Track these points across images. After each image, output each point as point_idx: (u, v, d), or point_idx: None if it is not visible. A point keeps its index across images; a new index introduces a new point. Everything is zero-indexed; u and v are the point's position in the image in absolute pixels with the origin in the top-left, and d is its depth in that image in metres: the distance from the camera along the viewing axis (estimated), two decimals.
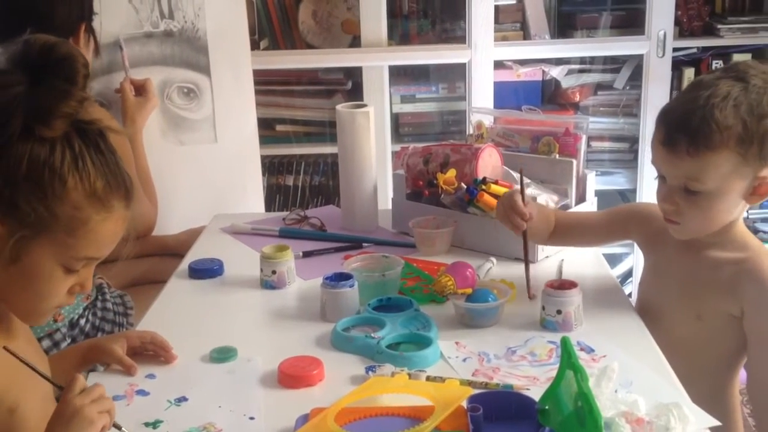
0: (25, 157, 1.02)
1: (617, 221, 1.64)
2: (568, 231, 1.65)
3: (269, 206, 2.83)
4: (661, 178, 1.44)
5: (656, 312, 1.51)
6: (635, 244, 2.91)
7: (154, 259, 2.19)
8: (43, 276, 1.08)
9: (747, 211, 1.64)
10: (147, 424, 1.19)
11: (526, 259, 1.55)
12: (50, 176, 1.03)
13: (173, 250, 2.18)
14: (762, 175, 1.36)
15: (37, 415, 1.11)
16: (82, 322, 1.79)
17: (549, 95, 3.06)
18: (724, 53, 2.86)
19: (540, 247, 1.72)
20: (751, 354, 1.45)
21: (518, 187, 1.60)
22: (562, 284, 1.45)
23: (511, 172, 1.83)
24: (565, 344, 1.11)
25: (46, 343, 1.72)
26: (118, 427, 1.09)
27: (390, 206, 1.99)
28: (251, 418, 1.20)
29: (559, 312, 1.43)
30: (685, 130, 1.35)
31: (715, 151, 1.34)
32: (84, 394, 1.04)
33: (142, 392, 1.28)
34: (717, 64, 2.83)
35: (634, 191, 2.97)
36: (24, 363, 1.07)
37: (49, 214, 1.04)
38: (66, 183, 1.04)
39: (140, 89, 2.28)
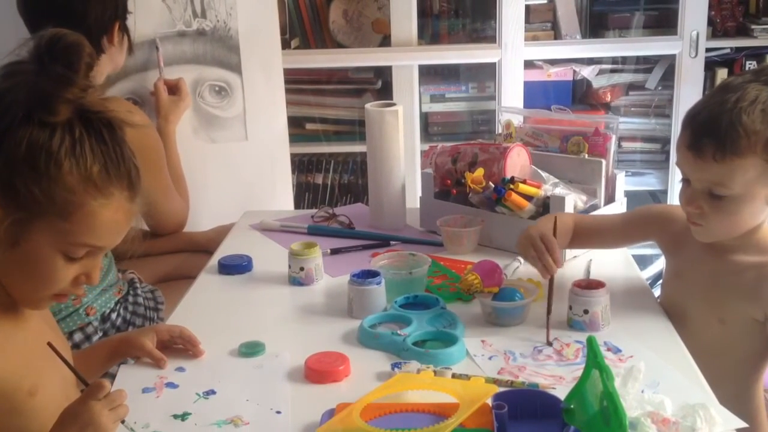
0: (24, 140, 1.04)
1: (635, 224, 1.63)
2: (587, 236, 1.63)
3: (298, 204, 2.85)
4: (686, 180, 1.42)
5: (679, 315, 1.50)
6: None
7: (185, 255, 2.21)
8: (42, 262, 1.10)
9: None
10: (176, 416, 1.21)
11: (550, 303, 1.43)
12: (46, 159, 1.05)
13: (203, 246, 2.20)
14: None
15: (59, 398, 1.13)
16: (114, 316, 1.82)
17: (580, 95, 3.05)
18: (757, 54, 2.83)
19: None
20: None
21: (545, 218, 1.57)
22: (590, 284, 1.45)
23: (540, 171, 1.83)
24: (590, 344, 1.11)
25: (79, 336, 1.75)
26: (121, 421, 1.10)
27: (418, 205, 1.99)
28: (278, 412, 1.22)
29: (586, 312, 1.42)
30: (712, 134, 1.33)
31: (742, 156, 1.32)
32: (105, 401, 1.04)
33: (171, 385, 1.30)
34: (751, 64, 2.80)
35: (665, 192, 2.94)
36: (64, 361, 1.08)
37: (45, 197, 1.06)
38: (61, 166, 1.05)
39: (173, 89, 2.30)
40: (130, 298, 1.88)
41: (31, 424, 1.15)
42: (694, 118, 1.38)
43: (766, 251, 1.43)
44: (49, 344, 1.08)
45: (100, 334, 1.78)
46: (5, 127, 1.05)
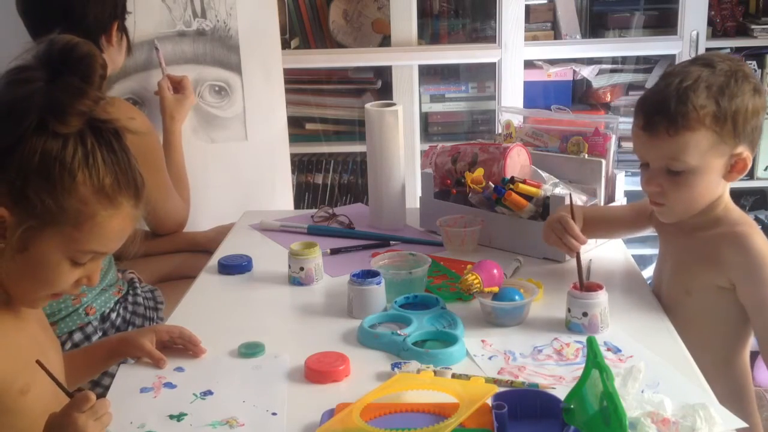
0: (38, 150, 1.05)
1: (640, 212, 1.68)
2: (595, 226, 1.68)
3: (298, 204, 2.85)
4: (644, 165, 1.50)
5: (657, 293, 1.58)
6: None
7: (185, 255, 2.21)
8: (49, 266, 1.11)
9: None
10: (172, 417, 1.21)
11: (581, 281, 1.45)
12: (60, 170, 1.06)
13: (203, 246, 2.20)
14: (737, 152, 1.44)
15: (48, 397, 1.13)
16: (113, 315, 1.82)
17: (580, 95, 3.04)
18: (757, 54, 2.82)
19: None
20: (753, 323, 1.48)
21: (562, 206, 1.64)
22: (588, 286, 1.44)
23: (540, 171, 1.83)
24: (591, 344, 1.11)
25: (78, 336, 1.75)
26: None
27: (418, 205, 1.99)
28: (273, 414, 1.21)
29: (585, 314, 1.42)
30: (664, 112, 1.43)
31: (693, 129, 1.41)
32: (90, 412, 1.04)
33: (169, 385, 1.30)
34: (750, 64, 2.79)
35: None
36: (52, 378, 1.07)
37: (57, 207, 1.07)
38: (75, 178, 1.07)
39: (178, 86, 2.29)
40: (130, 298, 1.88)
41: (18, 422, 1.15)
42: (644, 102, 1.49)
43: (725, 222, 1.49)
44: (38, 362, 1.07)
45: (100, 333, 1.78)
46: (19, 135, 1.05)
